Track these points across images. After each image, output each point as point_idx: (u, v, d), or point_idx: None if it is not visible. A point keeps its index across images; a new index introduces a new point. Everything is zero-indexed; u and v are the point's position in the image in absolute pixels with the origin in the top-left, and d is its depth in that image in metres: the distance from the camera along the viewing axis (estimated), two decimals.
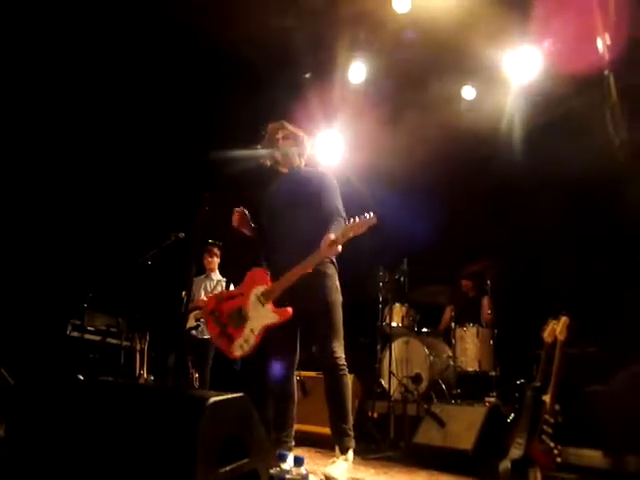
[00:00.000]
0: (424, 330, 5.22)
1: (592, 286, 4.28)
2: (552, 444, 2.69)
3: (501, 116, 5.24)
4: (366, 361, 5.02)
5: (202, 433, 1.52)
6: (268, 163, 3.27)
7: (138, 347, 5.25)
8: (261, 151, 3.24)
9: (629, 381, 3.04)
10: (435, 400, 4.37)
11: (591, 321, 3.51)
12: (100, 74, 5.33)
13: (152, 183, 5.92)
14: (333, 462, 2.81)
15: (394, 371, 4.72)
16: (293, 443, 3.00)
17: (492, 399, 4.18)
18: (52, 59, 5.08)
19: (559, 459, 2.67)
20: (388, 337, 4.95)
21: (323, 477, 2.75)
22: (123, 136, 5.77)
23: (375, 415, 4.54)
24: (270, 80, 5.44)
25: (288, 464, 1.99)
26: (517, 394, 3.03)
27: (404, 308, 5.15)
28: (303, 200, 3.08)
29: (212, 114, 5.77)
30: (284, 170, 3.29)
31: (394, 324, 5.03)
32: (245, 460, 1.69)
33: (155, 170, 5.90)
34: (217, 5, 4.71)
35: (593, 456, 3.12)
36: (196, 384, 4.76)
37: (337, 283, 3.06)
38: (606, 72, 3.65)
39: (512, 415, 3.02)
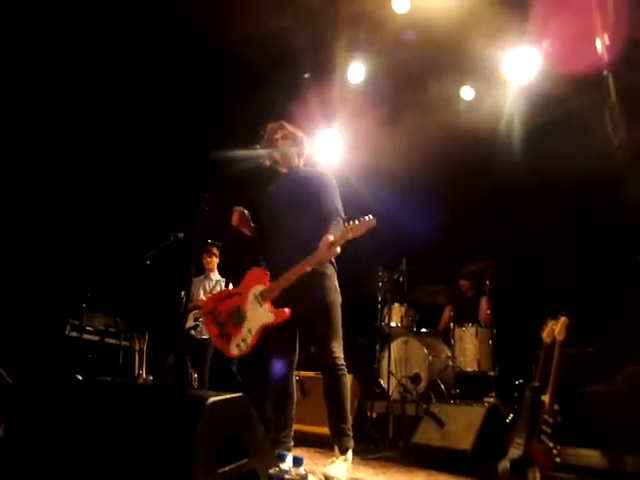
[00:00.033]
0: (423, 330, 5.22)
1: (591, 286, 4.28)
2: (551, 444, 2.69)
3: (500, 116, 5.25)
4: (365, 361, 5.02)
5: (201, 433, 1.52)
6: (267, 163, 3.27)
7: (137, 347, 5.25)
8: (260, 151, 3.24)
9: (628, 381, 3.04)
10: (434, 400, 4.37)
11: (590, 321, 3.51)
12: (100, 74, 5.33)
13: (151, 183, 5.91)
14: (332, 462, 2.81)
15: (393, 371, 4.72)
16: (292, 443, 3.00)
17: (491, 399, 4.18)
18: (52, 59, 5.08)
19: (558, 459, 2.67)
20: (387, 337, 4.95)
21: (322, 477, 2.75)
22: (122, 136, 5.77)
23: (374, 415, 4.54)
24: (269, 80, 5.44)
25: (287, 464, 1.99)
26: (516, 394, 3.03)
27: (403, 308, 5.16)
28: (302, 200, 3.08)
29: (211, 114, 5.77)
30: (283, 170, 3.29)
31: (393, 324, 5.04)
32: (244, 460, 1.69)
33: (154, 170, 5.90)
34: (217, 5, 4.71)
35: (592, 456, 3.12)
36: (195, 384, 4.76)
37: (336, 283, 3.06)
38: (605, 72, 3.66)
39: (511, 415, 3.02)
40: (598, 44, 3.71)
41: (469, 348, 4.62)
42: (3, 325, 4.68)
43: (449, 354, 4.81)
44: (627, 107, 3.63)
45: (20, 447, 1.76)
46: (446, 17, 4.46)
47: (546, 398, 2.81)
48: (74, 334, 5.31)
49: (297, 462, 1.95)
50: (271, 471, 1.88)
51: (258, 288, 2.98)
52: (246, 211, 3.23)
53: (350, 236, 2.77)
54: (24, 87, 5.10)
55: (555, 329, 2.91)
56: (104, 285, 5.20)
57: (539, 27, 4.52)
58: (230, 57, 5.20)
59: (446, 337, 5.04)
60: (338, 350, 2.92)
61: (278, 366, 3.01)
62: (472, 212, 5.43)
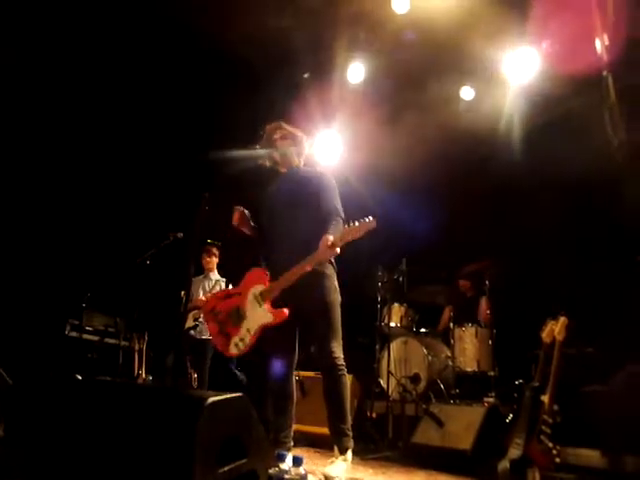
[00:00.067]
0: (423, 330, 5.22)
1: (591, 286, 4.28)
2: (550, 444, 2.69)
3: (500, 116, 5.25)
4: (365, 361, 5.01)
5: (201, 433, 1.52)
6: (267, 163, 3.28)
7: (136, 347, 5.24)
8: (260, 151, 3.24)
9: (627, 381, 3.04)
10: (434, 400, 4.37)
11: (589, 321, 3.51)
12: (100, 74, 5.33)
13: (151, 183, 5.91)
14: (332, 462, 2.81)
15: (393, 371, 4.71)
16: (292, 443, 3.00)
17: (491, 399, 4.18)
18: (52, 59, 5.08)
19: (557, 459, 2.67)
20: (387, 337, 4.95)
21: (322, 477, 2.75)
22: (122, 136, 5.77)
23: (374, 415, 4.54)
24: (269, 80, 5.44)
25: (287, 464, 1.99)
26: (516, 394, 3.03)
27: (403, 308, 5.15)
28: (302, 200, 3.08)
29: (211, 114, 5.77)
30: (283, 170, 3.29)
31: (393, 324, 5.04)
32: (244, 460, 1.69)
33: (154, 170, 5.90)
34: (216, 5, 4.71)
35: (591, 456, 3.12)
36: (194, 384, 4.76)
37: (336, 283, 3.07)
38: (605, 73, 3.66)
39: (511, 415, 3.02)
40: (598, 44, 3.71)
41: (469, 348, 4.62)
42: (3, 325, 4.68)
43: (449, 354, 4.81)
44: (627, 107, 3.63)
45: (20, 447, 1.76)
46: (446, 17, 4.46)
47: (546, 398, 2.81)
48: (74, 334, 5.31)
49: (297, 462, 1.95)
50: (271, 471, 1.88)
51: (258, 288, 2.98)
52: (246, 211, 3.24)
53: (349, 238, 2.78)
54: (24, 87, 5.10)
55: (555, 329, 2.91)
56: (104, 285, 5.20)
57: (539, 27, 4.52)
58: (230, 57, 5.20)
59: (446, 337, 5.04)
60: (338, 350, 2.92)
61: (277, 366, 3.01)
62: (472, 212, 5.43)
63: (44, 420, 1.78)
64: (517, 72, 4.82)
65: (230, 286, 4.75)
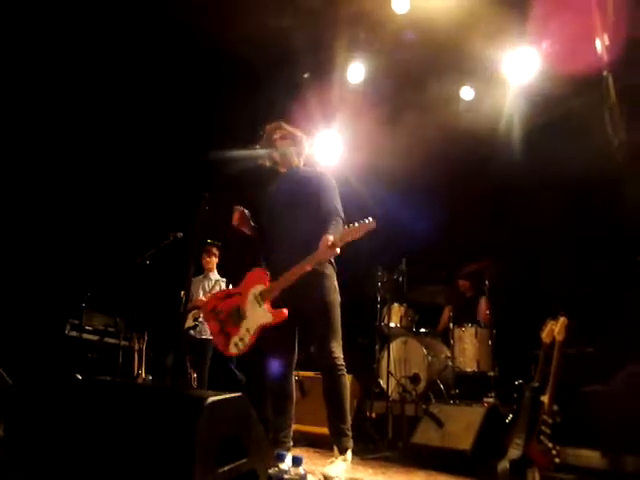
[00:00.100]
0: (422, 330, 5.22)
1: (591, 286, 4.28)
2: (550, 444, 2.68)
3: (500, 116, 5.25)
4: (364, 361, 5.01)
5: (200, 433, 1.52)
6: (267, 163, 3.28)
7: (136, 347, 5.25)
8: (260, 151, 3.24)
9: (627, 381, 3.04)
10: (433, 400, 4.37)
11: (589, 321, 3.51)
12: (100, 74, 5.33)
13: (151, 183, 5.91)
14: (331, 462, 2.81)
15: (392, 371, 4.71)
16: (291, 443, 3.00)
17: (490, 399, 4.18)
18: (52, 59, 5.08)
19: (557, 459, 2.67)
20: (386, 337, 4.94)
21: (321, 477, 2.75)
22: (122, 136, 5.77)
23: (373, 415, 4.54)
24: (269, 80, 5.44)
25: (286, 464, 1.99)
26: (515, 394, 3.03)
27: (402, 308, 5.15)
28: (302, 200, 3.08)
29: (211, 114, 5.77)
30: (283, 170, 3.29)
31: (392, 324, 5.03)
32: (243, 460, 1.69)
33: (154, 170, 5.90)
34: (217, 5, 4.71)
35: (591, 456, 3.12)
36: (194, 384, 4.76)
37: (335, 283, 3.07)
38: (605, 73, 3.66)
39: (510, 415, 3.03)
40: (598, 44, 3.71)
41: (468, 348, 4.62)
42: (3, 325, 4.68)
43: (448, 354, 4.81)
44: (627, 107, 3.63)
45: (20, 447, 1.76)
46: (446, 17, 4.46)
47: (545, 398, 2.81)
48: (74, 334, 5.31)
49: (296, 462, 1.95)
50: (270, 471, 1.88)
51: (258, 288, 2.98)
52: (246, 211, 3.24)
53: (349, 238, 2.78)
54: (24, 87, 5.10)
55: (555, 329, 2.91)
56: (104, 285, 5.19)
57: (539, 27, 4.52)
58: (230, 57, 5.20)
59: (445, 337, 5.04)
60: (337, 350, 2.92)
61: (276, 366, 3.01)
62: (472, 212, 5.43)
63: (44, 420, 1.78)
64: (517, 72, 4.82)
65: (230, 286, 4.75)
